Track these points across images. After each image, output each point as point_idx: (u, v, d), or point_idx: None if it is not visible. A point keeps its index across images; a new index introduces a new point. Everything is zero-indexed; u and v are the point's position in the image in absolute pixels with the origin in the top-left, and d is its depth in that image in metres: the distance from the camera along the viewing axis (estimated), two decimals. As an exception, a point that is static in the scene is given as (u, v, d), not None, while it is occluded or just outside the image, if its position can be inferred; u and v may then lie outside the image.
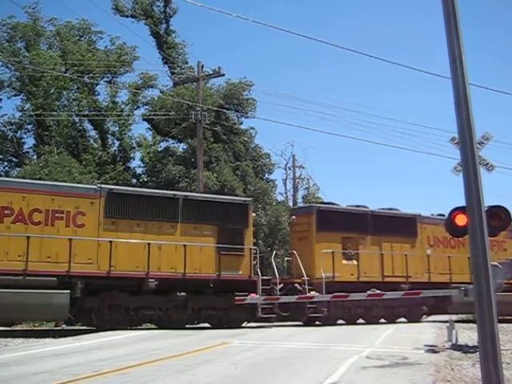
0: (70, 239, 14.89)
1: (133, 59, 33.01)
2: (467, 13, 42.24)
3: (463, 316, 20.04)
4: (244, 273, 17.57)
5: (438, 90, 74.45)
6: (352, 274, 19.57)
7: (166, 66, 33.56)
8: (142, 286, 15.92)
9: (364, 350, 10.88)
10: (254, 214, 19.73)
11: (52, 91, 30.18)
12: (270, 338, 14.27)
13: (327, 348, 11.62)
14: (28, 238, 14.33)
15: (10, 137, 30.45)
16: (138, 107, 33.76)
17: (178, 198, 17.20)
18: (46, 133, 29.67)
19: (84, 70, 30.37)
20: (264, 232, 29.62)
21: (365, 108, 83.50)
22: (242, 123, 33.38)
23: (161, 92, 33.28)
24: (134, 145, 34.00)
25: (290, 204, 35.72)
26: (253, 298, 17.26)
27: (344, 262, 19.63)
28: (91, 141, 33.02)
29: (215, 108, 28.81)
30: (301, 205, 33.46)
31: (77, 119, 31.33)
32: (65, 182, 20.50)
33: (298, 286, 18.62)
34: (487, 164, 10.07)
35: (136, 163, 33.63)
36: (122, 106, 33.52)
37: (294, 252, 19.50)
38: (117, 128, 33.30)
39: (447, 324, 13.14)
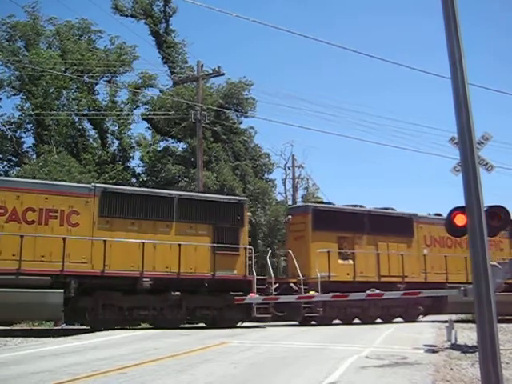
0: (64, 238, 14.83)
1: (132, 59, 33.08)
2: (467, 12, 42.23)
3: (463, 316, 19.95)
4: (239, 272, 17.50)
5: (439, 90, 74.41)
6: (348, 274, 19.53)
7: (165, 65, 33.62)
8: (136, 285, 15.86)
9: (363, 350, 10.87)
10: (249, 214, 19.69)
11: (51, 90, 30.27)
12: (269, 337, 14.25)
13: (326, 348, 11.60)
14: (22, 237, 14.29)
15: (9, 136, 30.53)
16: (138, 107, 33.82)
17: (173, 197, 17.13)
18: (46, 132, 29.76)
19: (84, 69, 30.41)
20: (263, 232, 29.64)
21: (366, 108, 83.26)
22: (241, 123, 33.48)
23: (160, 91, 33.38)
24: (134, 144, 34.04)
25: (290, 204, 35.68)
26: (252, 297, 17.19)
27: (340, 261, 19.58)
28: (91, 140, 33.11)
29: (215, 107, 28.78)
30: (299, 204, 33.41)
31: (76, 119, 31.42)
32: (64, 181, 20.45)
33: (294, 286, 18.60)
34: (487, 164, 10.03)
35: (135, 163, 33.77)
36: (122, 106, 33.55)
37: (290, 251, 19.49)
38: (116, 127, 33.35)
39: (446, 324, 13.10)
